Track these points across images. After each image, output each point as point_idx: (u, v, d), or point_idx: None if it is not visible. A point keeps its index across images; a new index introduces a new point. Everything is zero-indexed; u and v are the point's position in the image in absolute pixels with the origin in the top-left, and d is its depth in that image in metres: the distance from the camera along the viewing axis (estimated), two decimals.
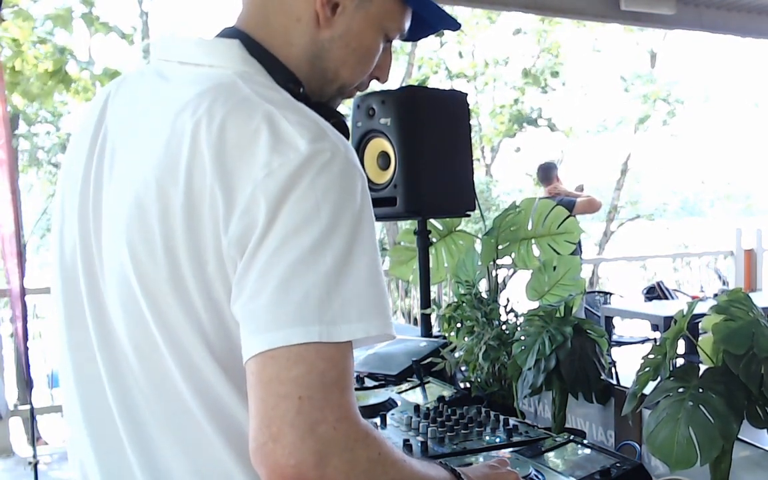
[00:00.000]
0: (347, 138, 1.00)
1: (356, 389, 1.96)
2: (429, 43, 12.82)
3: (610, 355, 1.88)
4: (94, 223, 1.00)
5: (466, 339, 2.04)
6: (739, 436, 1.25)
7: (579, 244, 6.41)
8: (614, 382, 1.83)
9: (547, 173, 6.48)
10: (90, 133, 1.05)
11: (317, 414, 0.82)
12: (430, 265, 2.56)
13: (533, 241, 2.24)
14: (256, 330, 0.85)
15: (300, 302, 0.83)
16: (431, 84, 11.94)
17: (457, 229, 2.56)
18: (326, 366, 0.84)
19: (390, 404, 1.80)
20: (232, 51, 1.00)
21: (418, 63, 12.49)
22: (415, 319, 6.77)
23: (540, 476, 1.28)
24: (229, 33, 1.03)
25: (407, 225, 2.91)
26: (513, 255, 2.24)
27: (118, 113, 1.04)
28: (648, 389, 1.36)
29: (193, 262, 0.90)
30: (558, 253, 2.21)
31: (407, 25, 1.12)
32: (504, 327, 1.99)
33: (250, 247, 0.86)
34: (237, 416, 0.92)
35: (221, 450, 0.93)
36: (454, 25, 1.18)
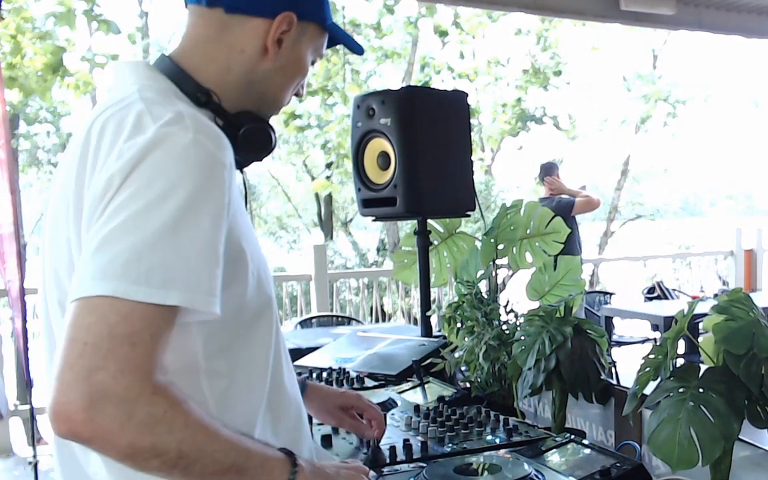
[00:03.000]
0: (269, 141, 1.22)
1: (357, 389, 1.97)
2: (430, 44, 12.82)
3: (610, 355, 1.88)
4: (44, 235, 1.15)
5: (466, 339, 2.04)
6: (740, 436, 1.25)
7: (579, 243, 6.41)
8: (614, 382, 1.83)
9: (548, 172, 6.49)
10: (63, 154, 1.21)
11: (98, 361, 0.87)
12: (433, 267, 2.55)
13: (526, 241, 2.24)
14: (74, 282, 0.93)
15: (110, 260, 0.91)
16: (433, 84, 11.94)
17: (458, 230, 2.56)
18: (118, 320, 0.89)
19: (390, 404, 1.79)
20: (140, 70, 1.15)
21: (420, 63, 12.48)
22: (415, 319, 6.78)
23: (540, 476, 1.28)
24: (156, 59, 1.20)
25: (407, 227, 2.90)
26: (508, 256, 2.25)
27: (72, 138, 1.18)
28: (648, 389, 1.36)
29: (78, 252, 1.00)
30: (547, 254, 2.22)
31: (325, 48, 1.28)
32: (504, 327, 1.99)
33: (93, 220, 0.96)
34: None
35: None
36: (359, 49, 1.34)
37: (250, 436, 1.04)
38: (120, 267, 0.90)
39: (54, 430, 0.89)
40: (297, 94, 1.28)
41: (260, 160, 1.25)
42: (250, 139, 1.19)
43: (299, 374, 2.10)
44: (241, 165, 1.24)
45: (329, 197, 14.15)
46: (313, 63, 1.26)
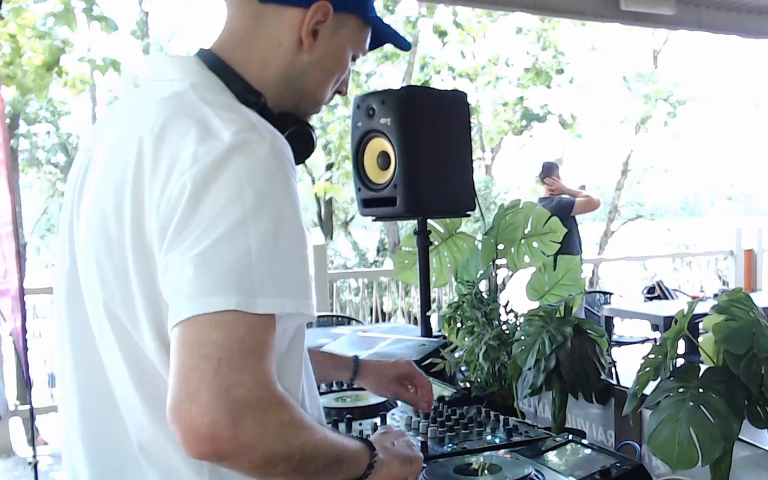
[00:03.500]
0: (311, 145, 1.19)
1: (357, 389, 1.96)
2: (430, 44, 12.82)
3: (610, 355, 1.88)
4: (77, 229, 1.09)
5: (466, 339, 2.04)
6: (739, 436, 1.25)
7: (579, 243, 6.41)
8: (614, 382, 1.83)
9: (548, 172, 6.48)
10: (86, 145, 1.16)
11: (234, 376, 0.88)
12: (434, 267, 2.55)
13: (524, 241, 2.24)
14: (181, 299, 0.91)
15: (221, 274, 0.90)
16: (433, 84, 11.95)
17: (458, 231, 2.56)
18: (246, 333, 0.90)
19: (390, 404, 1.79)
20: (190, 66, 1.10)
21: (420, 63, 12.49)
22: (415, 319, 6.78)
23: (540, 476, 1.28)
24: (198, 53, 1.14)
25: (407, 227, 2.90)
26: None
27: (100, 127, 1.16)
28: (648, 389, 1.36)
29: (137, 256, 0.98)
30: (545, 254, 2.22)
31: (367, 44, 1.24)
32: (504, 327, 1.99)
33: (174, 226, 0.93)
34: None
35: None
36: (407, 45, 1.30)
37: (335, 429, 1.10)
38: (235, 281, 0.90)
39: (192, 451, 0.89)
40: (339, 92, 1.25)
41: (299, 163, 1.20)
42: (293, 142, 1.13)
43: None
44: None
45: (329, 197, 14.15)
46: (354, 59, 1.22)
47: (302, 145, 1.17)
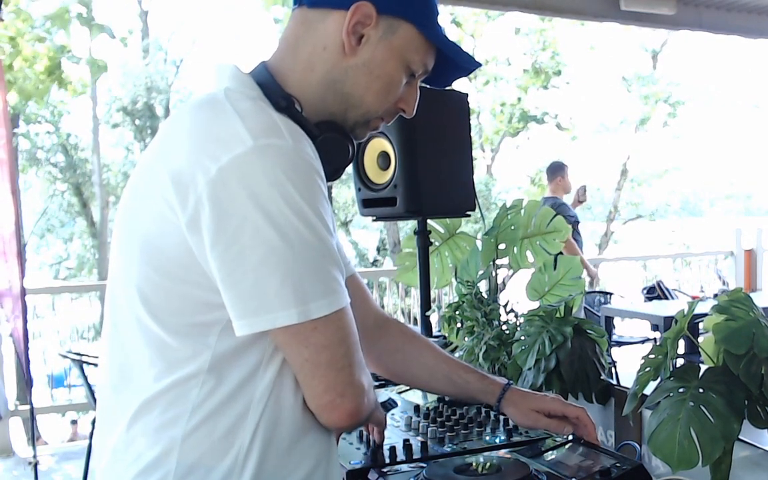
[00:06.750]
0: (346, 153, 1.20)
1: None
2: None
3: (610, 355, 1.88)
4: None
5: (466, 339, 2.04)
6: (739, 436, 1.25)
7: (580, 244, 6.40)
8: (614, 382, 1.83)
9: (555, 172, 6.43)
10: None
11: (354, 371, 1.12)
12: (435, 268, 2.55)
13: (527, 241, 2.24)
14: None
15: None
16: None
17: (458, 231, 2.55)
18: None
19: (390, 404, 1.79)
20: (226, 72, 1.14)
21: None
22: (415, 319, 6.78)
23: (540, 476, 1.28)
24: (255, 67, 1.19)
25: (408, 227, 2.90)
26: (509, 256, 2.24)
27: None
28: (648, 389, 1.36)
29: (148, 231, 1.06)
30: (549, 253, 2.21)
31: (430, 62, 1.22)
32: (504, 327, 1.99)
33: (204, 233, 0.99)
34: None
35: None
36: (476, 64, 1.29)
37: None
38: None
39: (340, 427, 1.16)
40: (403, 111, 1.24)
41: (335, 174, 1.21)
42: (323, 149, 1.13)
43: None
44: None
45: (329, 197, 14.14)
46: (414, 75, 1.20)
47: (332, 153, 1.16)
